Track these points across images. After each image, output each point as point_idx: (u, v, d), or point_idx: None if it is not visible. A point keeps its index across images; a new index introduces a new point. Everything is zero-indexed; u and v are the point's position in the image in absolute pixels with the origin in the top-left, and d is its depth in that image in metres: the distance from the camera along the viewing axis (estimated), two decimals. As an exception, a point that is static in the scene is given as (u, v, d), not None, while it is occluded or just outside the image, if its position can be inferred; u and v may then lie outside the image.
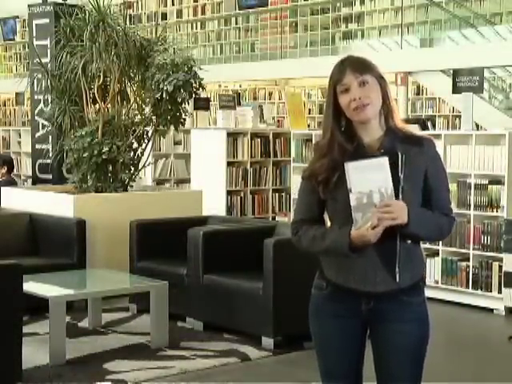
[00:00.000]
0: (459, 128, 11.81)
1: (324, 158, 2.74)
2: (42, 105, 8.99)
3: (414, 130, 2.86)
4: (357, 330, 2.80)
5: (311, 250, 2.79)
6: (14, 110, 19.97)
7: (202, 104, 11.16)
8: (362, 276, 2.71)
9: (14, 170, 10.70)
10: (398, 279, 2.71)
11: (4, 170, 9.89)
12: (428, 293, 8.20)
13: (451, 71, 8.68)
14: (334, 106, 2.74)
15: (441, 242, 7.17)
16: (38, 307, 5.71)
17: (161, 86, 7.44)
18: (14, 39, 23.05)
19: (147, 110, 7.92)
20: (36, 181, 9.27)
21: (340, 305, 2.78)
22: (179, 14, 19.73)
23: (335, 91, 2.73)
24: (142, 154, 7.97)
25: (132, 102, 8.01)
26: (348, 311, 2.77)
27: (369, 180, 2.61)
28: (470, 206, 7.02)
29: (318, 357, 2.89)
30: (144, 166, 8.05)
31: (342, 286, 2.76)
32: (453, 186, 7.15)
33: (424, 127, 7.86)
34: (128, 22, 8.75)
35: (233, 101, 10.18)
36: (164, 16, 19.87)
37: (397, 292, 2.73)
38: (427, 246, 7.28)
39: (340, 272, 2.76)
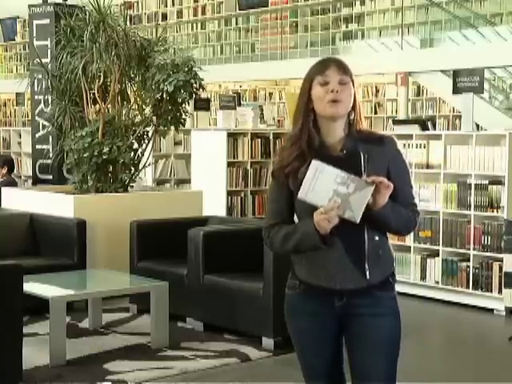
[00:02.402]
0: (459, 128, 11.79)
1: (294, 146, 2.78)
2: (42, 105, 8.99)
3: (375, 130, 2.90)
4: (332, 328, 2.82)
5: (283, 249, 2.82)
6: (15, 110, 19.96)
7: (203, 104, 11.17)
8: (332, 274, 2.75)
9: (15, 170, 10.70)
10: (367, 276, 2.74)
11: (4, 171, 9.90)
12: (428, 293, 8.16)
13: (451, 71, 8.67)
14: (307, 100, 2.77)
15: (441, 243, 7.18)
16: (38, 307, 5.71)
17: (161, 86, 7.45)
18: (14, 39, 23.06)
19: (147, 110, 7.92)
20: (36, 181, 9.26)
21: (313, 302, 2.82)
22: (179, 14, 19.74)
23: (311, 85, 2.76)
24: (143, 154, 7.97)
25: (132, 102, 8.01)
26: (322, 308, 2.81)
27: (323, 188, 2.61)
28: (470, 206, 7.02)
29: (297, 357, 2.92)
30: (144, 167, 8.05)
31: (314, 285, 2.79)
32: (453, 186, 7.16)
33: (424, 127, 7.85)
34: (128, 23, 8.75)
35: (233, 101, 10.17)
36: (164, 16, 19.89)
37: (368, 288, 2.75)
38: (427, 246, 7.28)
39: (311, 271, 2.80)
